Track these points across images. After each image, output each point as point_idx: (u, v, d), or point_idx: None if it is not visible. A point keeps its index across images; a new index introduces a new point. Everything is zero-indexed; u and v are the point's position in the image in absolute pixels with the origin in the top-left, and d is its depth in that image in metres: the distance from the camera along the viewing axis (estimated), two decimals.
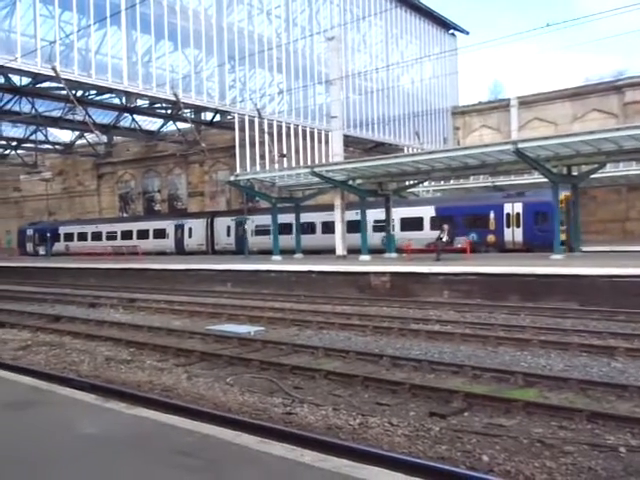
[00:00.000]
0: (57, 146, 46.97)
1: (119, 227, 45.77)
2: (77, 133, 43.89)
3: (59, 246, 47.51)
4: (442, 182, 37.59)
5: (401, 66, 38.36)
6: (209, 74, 30.28)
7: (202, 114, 34.51)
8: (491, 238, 28.85)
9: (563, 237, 23.50)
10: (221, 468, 3.88)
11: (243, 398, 7.67)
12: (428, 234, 27.91)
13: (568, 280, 16.04)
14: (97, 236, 46.27)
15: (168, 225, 42.49)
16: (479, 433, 6.18)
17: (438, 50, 42.18)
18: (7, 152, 47.15)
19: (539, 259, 20.33)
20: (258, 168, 30.50)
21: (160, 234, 42.40)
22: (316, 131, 34.09)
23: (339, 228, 27.35)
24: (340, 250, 27.09)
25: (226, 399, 7.63)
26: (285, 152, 31.88)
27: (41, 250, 47.65)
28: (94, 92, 29.70)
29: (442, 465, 5.15)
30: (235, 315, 15.65)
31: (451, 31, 46.81)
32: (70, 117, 35.44)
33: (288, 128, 32.70)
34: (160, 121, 39.34)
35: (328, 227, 31.07)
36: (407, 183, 30.01)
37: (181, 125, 38.28)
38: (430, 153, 25.59)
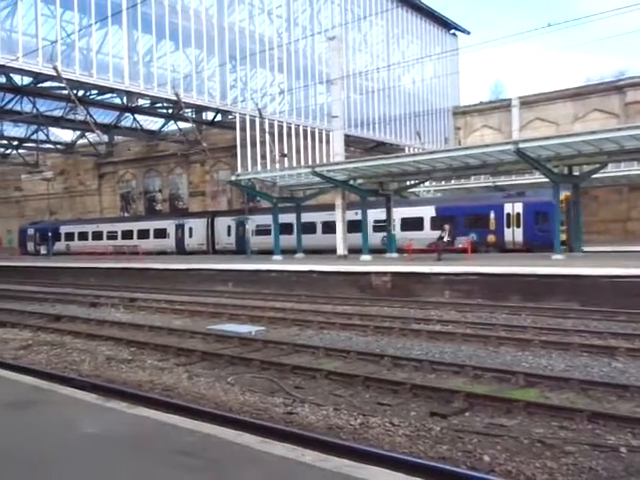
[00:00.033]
0: (58, 146, 47.00)
1: (120, 227, 45.80)
2: (78, 133, 43.94)
3: (60, 245, 47.55)
4: (443, 182, 37.58)
5: (402, 66, 38.35)
6: (210, 74, 30.30)
7: (203, 114, 34.53)
8: (491, 238, 28.83)
9: (563, 237, 23.49)
10: (222, 468, 3.88)
11: (244, 398, 7.67)
12: (428, 234, 27.90)
13: (569, 280, 16.02)
14: (98, 236, 46.29)
15: (169, 225, 42.51)
16: (480, 433, 6.17)
17: (439, 50, 42.17)
18: (8, 152, 47.23)
19: (540, 259, 20.32)
20: (259, 168, 30.51)
21: (161, 234, 42.43)
22: (317, 131, 34.10)
23: (340, 228, 27.34)
24: (341, 250, 27.08)
25: (227, 399, 7.63)
26: (286, 152, 31.89)
27: (42, 249, 47.68)
28: (95, 92, 29.72)
29: (443, 465, 5.15)
30: (236, 315, 15.65)
31: (452, 31, 46.80)
32: (71, 117, 35.49)
33: (289, 128, 32.71)
34: (161, 121, 39.38)
35: (328, 227, 31.06)
36: (408, 183, 29.99)
37: (182, 125, 38.36)
38: (431, 153, 25.59)
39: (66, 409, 5.51)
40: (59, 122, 36.97)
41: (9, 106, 33.27)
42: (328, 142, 32.78)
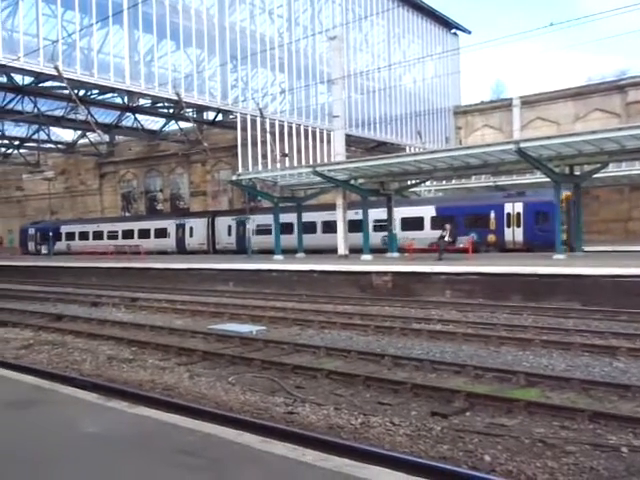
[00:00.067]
0: (59, 145, 47.04)
1: (120, 226, 45.83)
2: (79, 132, 43.96)
3: (61, 245, 47.57)
4: (444, 182, 37.58)
5: (403, 65, 38.35)
6: (211, 73, 30.31)
7: (204, 113, 34.56)
8: (491, 238, 28.82)
9: (563, 237, 23.46)
10: (223, 467, 3.88)
11: (245, 397, 7.67)
12: (429, 234, 27.90)
13: (570, 280, 16.02)
14: (98, 235, 46.32)
15: (169, 224, 42.53)
16: (481, 433, 6.17)
17: (440, 49, 42.16)
18: (10, 151, 47.27)
19: (541, 259, 20.31)
20: (260, 167, 30.51)
21: (161, 233, 42.45)
22: (318, 130, 34.10)
23: (341, 227, 27.34)
24: (342, 250, 27.08)
25: (228, 398, 7.63)
26: (287, 151, 31.90)
27: (43, 249, 47.70)
28: (96, 91, 29.74)
29: (444, 465, 5.15)
30: (237, 314, 15.65)
31: (453, 30, 46.78)
32: (72, 116, 35.51)
33: (290, 127, 32.71)
34: (162, 120, 39.39)
35: (329, 226, 31.07)
36: (409, 182, 29.98)
37: (183, 124, 38.30)
38: (432, 153, 25.59)
39: (67, 408, 5.51)
40: (60, 122, 36.99)
41: (10, 106, 33.29)
42: (329, 142, 32.78)
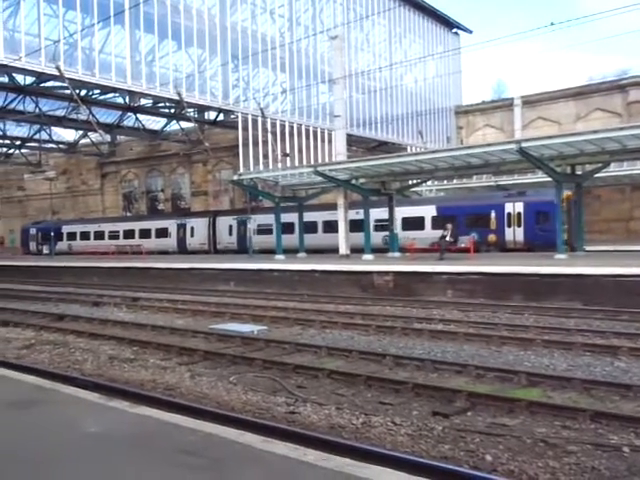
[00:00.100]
0: (61, 145, 47.07)
1: (122, 226, 45.87)
2: (81, 132, 43.98)
3: (62, 245, 47.60)
4: (445, 181, 37.58)
5: (404, 65, 38.35)
6: (212, 73, 30.32)
7: (205, 113, 34.57)
8: (492, 238, 28.80)
9: (564, 236, 23.44)
10: (224, 467, 3.88)
11: (246, 397, 7.67)
12: (429, 233, 27.91)
13: (572, 280, 16.00)
14: (99, 235, 46.36)
15: (170, 224, 42.55)
16: (482, 433, 6.17)
17: (441, 49, 42.16)
18: (11, 151, 47.30)
19: (543, 259, 20.29)
20: (261, 167, 30.52)
21: (162, 233, 42.47)
22: (319, 130, 34.10)
23: (342, 227, 27.34)
24: (343, 249, 27.08)
25: (229, 398, 7.63)
26: (288, 151, 31.91)
27: (44, 249, 47.73)
28: (98, 91, 29.75)
29: (445, 464, 5.14)
30: (238, 314, 15.65)
31: (454, 30, 46.77)
32: (74, 116, 35.51)
33: (291, 127, 32.71)
34: (163, 120, 39.42)
35: (330, 226, 31.08)
36: (410, 182, 29.97)
37: (184, 124, 38.35)
38: (433, 152, 25.60)
39: (69, 408, 5.52)
40: (62, 122, 37.01)
41: (12, 106, 33.33)
42: (330, 141, 32.77)
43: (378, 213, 28.88)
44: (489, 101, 46.71)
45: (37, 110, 33.39)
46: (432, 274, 18.97)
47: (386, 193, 27.68)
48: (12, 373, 7.24)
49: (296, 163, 31.56)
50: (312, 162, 31.34)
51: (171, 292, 22.24)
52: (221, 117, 33.73)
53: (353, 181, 26.97)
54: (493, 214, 28.97)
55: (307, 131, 33.54)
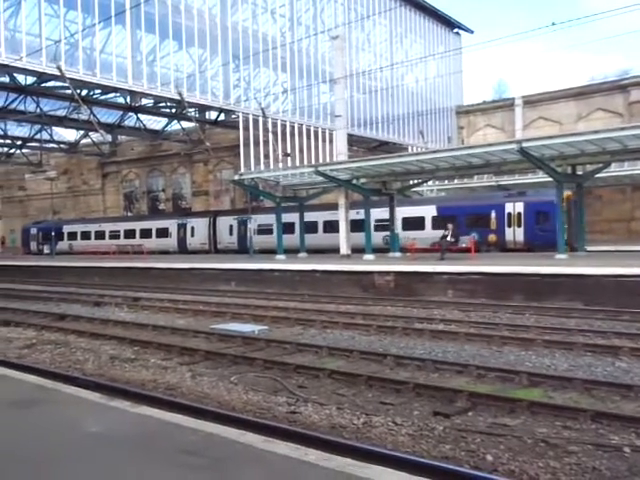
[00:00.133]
0: (62, 145, 47.10)
1: (122, 226, 45.90)
2: (82, 132, 44.00)
3: (62, 245, 47.63)
4: (446, 181, 37.57)
5: (405, 65, 38.37)
6: (213, 73, 30.32)
7: (206, 113, 34.58)
8: (492, 238, 28.80)
9: (564, 236, 23.44)
10: (225, 467, 3.89)
11: (247, 397, 7.67)
12: (430, 233, 27.92)
13: (572, 280, 16.00)
14: (100, 235, 46.39)
15: (171, 224, 42.58)
16: (483, 433, 6.17)
17: (442, 49, 42.14)
18: (12, 151, 47.33)
19: (543, 259, 20.28)
20: (262, 167, 30.52)
21: (163, 233, 42.50)
22: (320, 130, 34.10)
23: (343, 227, 27.34)
24: (344, 249, 27.08)
25: (230, 398, 7.63)
26: (289, 151, 31.90)
27: (45, 249, 47.77)
28: (99, 91, 29.76)
29: (446, 464, 5.15)
30: (239, 314, 15.65)
31: (455, 30, 46.76)
32: (75, 116, 35.54)
33: (292, 127, 32.71)
34: (164, 120, 39.43)
35: (330, 226, 31.09)
36: (411, 182, 29.97)
37: (185, 124, 38.37)
38: (434, 152, 25.60)
39: (70, 408, 5.52)
40: (63, 122, 37.04)
41: (13, 106, 33.37)
42: (331, 141, 32.76)
43: (378, 213, 28.88)
44: (490, 101, 46.71)
45: (38, 110, 33.41)
46: (433, 274, 18.97)
47: (387, 193, 27.68)
48: (13, 373, 7.25)
49: (297, 163, 31.56)
50: (313, 162, 31.33)
51: (172, 292, 22.25)
52: (222, 117, 33.74)
53: (354, 181, 26.98)
54: (493, 214, 28.97)
55: (308, 131, 33.54)
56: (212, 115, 34.68)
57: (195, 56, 30.19)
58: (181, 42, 29.32)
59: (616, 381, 7.97)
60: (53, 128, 42.62)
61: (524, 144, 20.35)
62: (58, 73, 24.12)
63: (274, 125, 31.65)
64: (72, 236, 48.73)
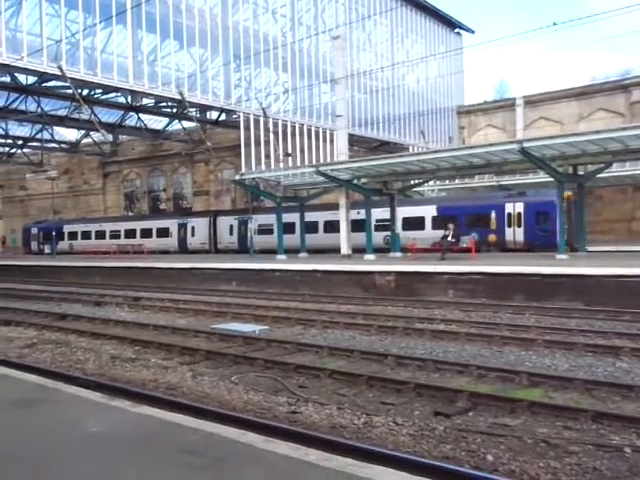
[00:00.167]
0: (63, 145, 47.15)
1: (123, 226, 45.93)
2: (83, 132, 44.06)
3: (63, 245, 47.67)
4: (447, 181, 37.56)
5: (406, 65, 38.36)
6: (214, 73, 30.32)
7: (207, 113, 34.58)
8: (492, 238, 28.80)
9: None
10: (226, 467, 3.89)
11: (248, 397, 7.67)
12: (430, 233, 27.92)
13: (573, 280, 15.99)
14: (101, 235, 46.43)
15: (171, 224, 42.61)
16: (484, 433, 6.17)
17: (443, 49, 42.11)
18: (13, 151, 47.38)
19: (544, 259, 20.28)
20: (263, 167, 30.53)
21: (163, 233, 42.53)
22: (321, 130, 34.10)
23: (344, 227, 27.35)
24: (345, 249, 27.09)
25: (231, 398, 7.63)
26: (290, 151, 31.90)
27: (46, 249, 47.81)
28: (100, 91, 29.77)
29: (447, 464, 5.15)
30: (240, 314, 15.66)
31: (456, 30, 46.74)
32: (76, 116, 35.60)
33: (293, 127, 32.71)
34: (165, 120, 39.45)
35: (331, 226, 31.09)
36: (412, 182, 29.95)
37: (186, 124, 38.38)
38: (435, 152, 25.60)
39: (71, 408, 5.53)
40: (64, 121, 37.07)
41: (14, 105, 33.42)
42: (332, 141, 32.76)
43: (379, 213, 28.88)
44: (491, 101, 46.70)
45: (39, 110, 33.45)
46: (434, 274, 18.97)
47: (388, 193, 27.67)
48: (14, 372, 7.25)
49: (298, 163, 31.56)
50: (314, 162, 31.33)
51: (173, 292, 22.25)
52: (223, 117, 33.74)
53: (355, 181, 26.98)
54: (493, 214, 28.97)
55: (309, 131, 33.54)
56: (213, 115, 34.69)
57: (196, 56, 30.20)
58: (182, 42, 29.32)
59: (617, 381, 7.97)
60: (54, 128, 42.67)
61: (525, 144, 20.34)
62: (59, 73, 24.12)
63: (275, 125, 31.65)
64: (73, 236, 48.76)
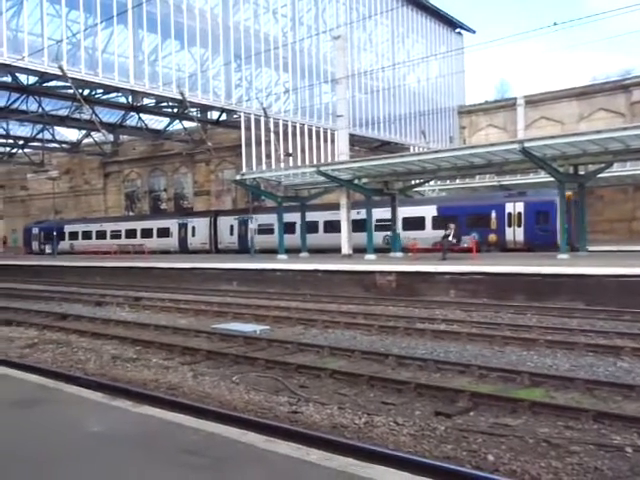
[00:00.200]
0: (64, 145, 47.17)
1: (123, 226, 45.95)
2: (84, 132, 44.09)
3: (64, 245, 47.69)
4: (448, 181, 37.54)
5: (407, 65, 38.34)
6: (215, 73, 30.32)
7: (208, 113, 34.58)
8: (492, 237, 28.78)
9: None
10: (227, 466, 3.88)
11: (249, 397, 7.67)
12: (430, 233, 27.92)
13: (574, 280, 15.99)
14: (101, 235, 46.45)
15: (172, 224, 42.62)
16: (485, 433, 6.16)
17: (444, 49, 42.11)
18: (14, 151, 47.41)
19: (545, 259, 20.27)
20: (264, 167, 30.53)
21: (164, 233, 42.55)
22: (322, 130, 34.09)
23: (345, 227, 27.35)
24: (346, 249, 27.08)
25: (232, 398, 7.63)
26: (291, 151, 31.91)
27: (47, 249, 47.84)
28: (101, 91, 29.80)
29: (448, 464, 5.14)
30: (241, 314, 15.66)
31: (457, 30, 46.74)
32: (77, 116, 35.63)
33: (294, 127, 32.71)
34: (166, 120, 39.47)
35: (331, 226, 31.09)
36: (413, 182, 29.95)
37: (187, 124, 38.41)
38: (436, 152, 25.59)
39: (72, 408, 5.53)
40: (65, 121, 37.10)
41: (15, 105, 33.44)
42: (333, 141, 32.76)
43: (379, 213, 28.87)
44: (492, 101, 46.70)
45: (40, 110, 33.46)
46: (434, 274, 18.96)
47: (389, 193, 27.66)
48: (15, 372, 7.25)
49: (299, 163, 31.57)
50: (315, 162, 31.33)
51: (173, 292, 22.26)
52: (224, 117, 33.75)
53: (356, 181, 26.97)
54: (493, 214, 28.96)
55: (310, 131, 33.53)
56: (214, 115, 34.70)
57: (197, 56, 30.21)
58: (183, 42, 29.32)
59: (618, 381, 7.96)
60: (55, 128, 42.71)
61: (526, 144, 20.34)
62: (60, 73, 24.14)
63: (276, 125, 31.65)
64: (74, 236, 48.78)
